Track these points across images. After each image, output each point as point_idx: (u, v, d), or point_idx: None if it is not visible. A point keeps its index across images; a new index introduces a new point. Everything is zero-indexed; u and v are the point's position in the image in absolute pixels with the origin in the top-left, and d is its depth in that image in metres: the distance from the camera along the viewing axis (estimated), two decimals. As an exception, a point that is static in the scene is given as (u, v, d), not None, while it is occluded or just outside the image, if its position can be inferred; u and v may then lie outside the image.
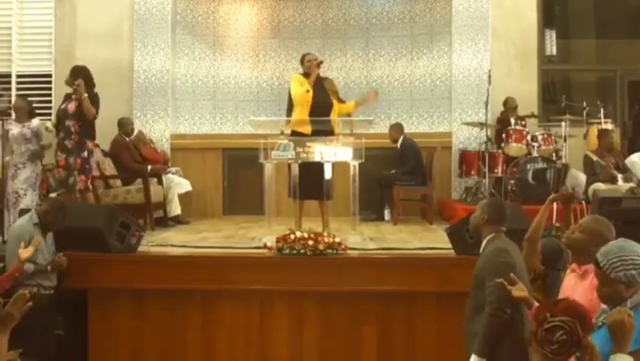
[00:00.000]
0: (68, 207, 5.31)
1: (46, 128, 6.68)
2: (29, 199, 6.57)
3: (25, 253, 4.80)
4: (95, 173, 6.89)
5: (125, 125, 7.79)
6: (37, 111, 8.75)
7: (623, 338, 2.35)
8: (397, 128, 8.39)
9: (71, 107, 6.46)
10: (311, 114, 6.14)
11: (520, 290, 3.35)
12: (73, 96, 6.44)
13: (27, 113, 6.78)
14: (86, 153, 6.52)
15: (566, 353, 2.31)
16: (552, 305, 2.38)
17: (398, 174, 8.08)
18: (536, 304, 3.36)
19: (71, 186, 6.46)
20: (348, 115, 6.49)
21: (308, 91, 6.19)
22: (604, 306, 2.72)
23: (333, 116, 6.23)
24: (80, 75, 6.47)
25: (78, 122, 6.45)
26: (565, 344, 2.29)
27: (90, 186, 6.63)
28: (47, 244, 5.17)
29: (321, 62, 6.41)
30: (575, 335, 2.30)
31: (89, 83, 6.50)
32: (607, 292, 2.65)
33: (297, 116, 6.16)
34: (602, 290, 2.66)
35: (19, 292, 2.76)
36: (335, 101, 6.38)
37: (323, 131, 6.05)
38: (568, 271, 3.50)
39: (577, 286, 3.32)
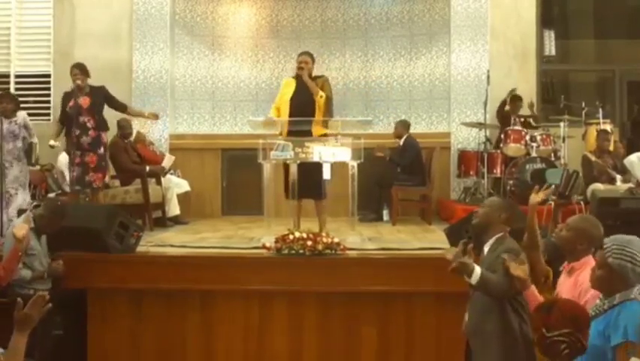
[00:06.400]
0: (67, 208, 5.28)
1: (51, 146, 6.56)
2: (21, 198, 6.50)
3: (20, 230, 4.68)
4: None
5: (124, 128, 7.74)
6: (36, 111, 8.82)
7: None
8: (404, 125, 8.38)
9: (84, 102, 6.35)
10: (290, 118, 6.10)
11: (518, 269, 3.29)
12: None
13: (13, 110, 6.66)
14: (102, 149, 6.45)
15: (574, 358, 2.39)
16: (545, 316, 2.41)
17: (397, 173, 8.07)
18: (533, 287, 3.32)
19: (87, 183, 6.38)
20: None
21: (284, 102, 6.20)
22: (598, 301, 2.73)
23: (317, 116, 6.07)
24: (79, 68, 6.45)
25: (94, 116, 6.38)
26: (571, 355, 2.37)
27: (109, 183, 6.54)
28: (42, 248, 5.14)
29: (301, 68, 6.20)
30: (577, 343, 2.36)
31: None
32: (600, 275, 2.67)
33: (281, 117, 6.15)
34: (597, 272, 2.69)
35: (38, 294, 2.80)
36: (317, 103, 6.16)
37: (301, 132, 5.92)
38: (561, 268, 3.52)
39: (565, 282, 3.34)
